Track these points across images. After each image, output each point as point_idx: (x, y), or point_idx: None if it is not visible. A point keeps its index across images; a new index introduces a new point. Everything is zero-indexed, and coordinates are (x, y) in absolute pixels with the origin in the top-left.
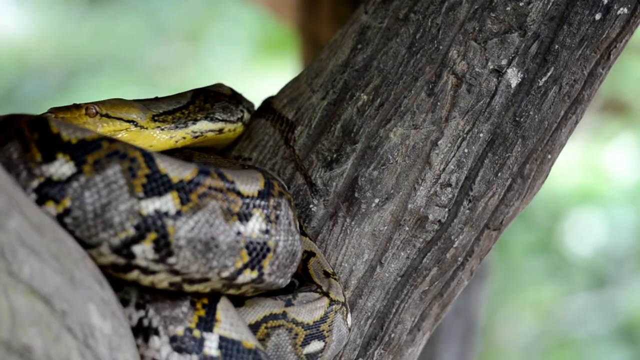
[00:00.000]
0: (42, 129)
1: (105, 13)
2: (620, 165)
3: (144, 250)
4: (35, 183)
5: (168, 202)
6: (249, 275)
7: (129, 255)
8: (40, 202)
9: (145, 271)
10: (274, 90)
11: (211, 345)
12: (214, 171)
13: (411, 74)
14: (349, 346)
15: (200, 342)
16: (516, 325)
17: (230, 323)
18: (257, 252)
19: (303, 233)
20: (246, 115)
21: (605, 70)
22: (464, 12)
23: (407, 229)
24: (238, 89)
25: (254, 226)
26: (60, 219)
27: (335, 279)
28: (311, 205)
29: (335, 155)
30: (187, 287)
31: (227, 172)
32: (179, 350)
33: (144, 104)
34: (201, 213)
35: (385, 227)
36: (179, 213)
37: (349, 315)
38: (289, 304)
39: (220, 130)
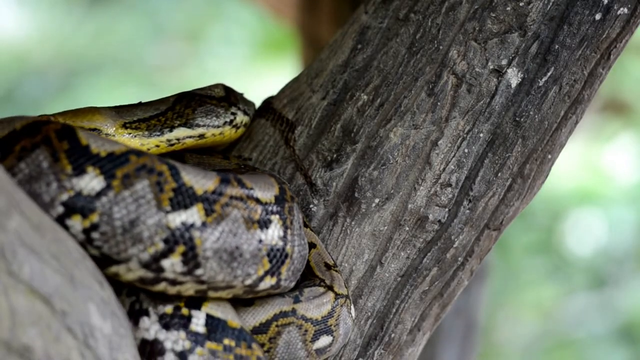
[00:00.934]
0: (70, 139)
1: (105, 13)
2: (620, 165)
3: (172, 264)
4: (65, 196)
5: (194, 215)
6: (269, 282)
7: (157, 269)
8: (67, 215)
9: (173, 283)
10: (274, 90)
11: (198, 322)
12: (233, 178)
13: (411, 74)
14: (349, 346)
15: (188, 319)
16: (516, 325)
17: (217, 303)
18: (277, 259)
19: (304, 224)
20: (240, 118)
21: (605, 70)
22: (464, 12)
23: (407, 229)
24: (238, 89)
25: (274, 233)
26: (86, 233)
27: (336, 270)
28: (311, 205)
29: (335, 155)
30: (212, 294)
31: (245, 178)
32: (167, 326)
33: (118, 111)
34: (224, 223)
35: (385, 227)
36: (204, 224)
37: (352, 307)
38: (297, 300)
39: (201, 136)
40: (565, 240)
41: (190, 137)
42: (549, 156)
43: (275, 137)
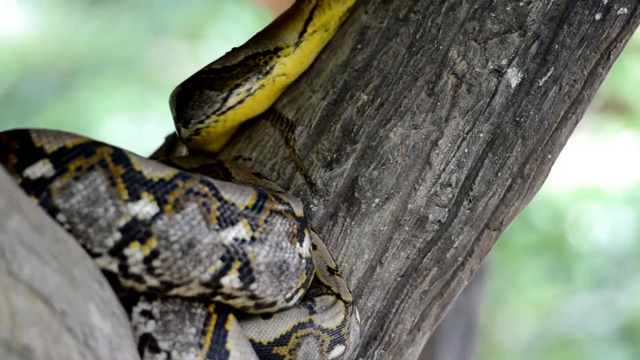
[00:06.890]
0: (125, 164)
1: (105, 13)
2: (621, 165)
3: (231, 280)
4: (122, 221)
5: (241, 230)
6: (300, 294)
7: (217, 286)
8: (125, 242)
9: (228, 297)
10: None
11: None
12: (270, 193)
13: (411, 74)
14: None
15: None
16: (516, 325)
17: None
18: (310, 272)
19: None
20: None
21: (605, 70)
22: (464, 12)
23: (407, 229)
24: None
25: (306, 246)
26: (147, 262)
27: (339, 275)
28: (311, 205)
29: (335, 155)
30: (252, 311)
31: (281, 194)
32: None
33: None
34: (270, 237)
35: (385, 227)
36: (253, 239)
37: (357, 313)
38: (312, 311)
39: None
40: (565, 240)
41: None
42: (549, 156)
43: (275, 137)
